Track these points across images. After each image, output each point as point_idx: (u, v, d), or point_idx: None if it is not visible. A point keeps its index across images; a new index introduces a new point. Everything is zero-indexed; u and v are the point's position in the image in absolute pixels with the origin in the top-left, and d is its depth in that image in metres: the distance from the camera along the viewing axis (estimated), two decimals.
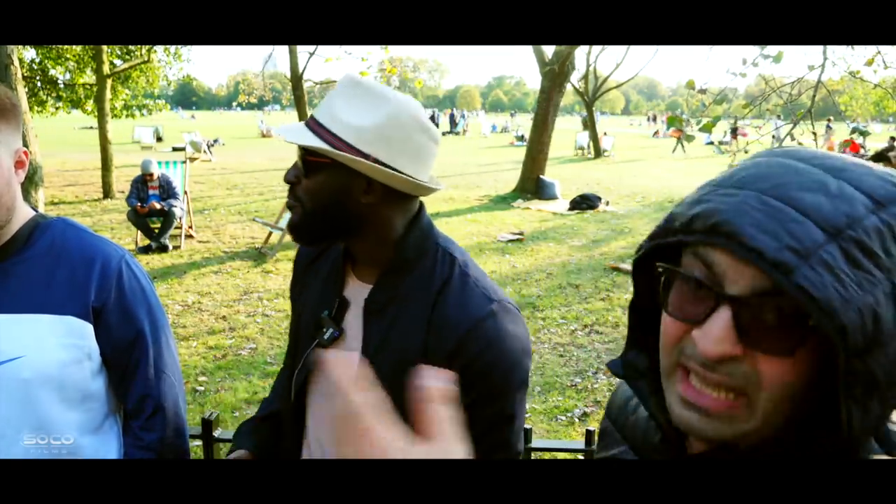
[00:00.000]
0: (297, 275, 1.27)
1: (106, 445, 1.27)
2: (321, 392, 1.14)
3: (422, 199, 1.10)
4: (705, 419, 0.54)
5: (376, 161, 0.99)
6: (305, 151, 1.02)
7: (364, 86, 1.02)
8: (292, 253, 8.80)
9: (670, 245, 0.58)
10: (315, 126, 1.02)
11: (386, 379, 1.02)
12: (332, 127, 1.00)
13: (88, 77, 14.09)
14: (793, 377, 0.52)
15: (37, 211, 1.24)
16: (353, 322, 1.10)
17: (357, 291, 1.11)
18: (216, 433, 1.74)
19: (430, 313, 1.02)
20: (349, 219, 1.04)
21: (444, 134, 38.39)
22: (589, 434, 1.64)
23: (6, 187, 1.11)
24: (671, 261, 0.59)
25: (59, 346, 1.14)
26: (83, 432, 1.21)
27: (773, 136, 6.79)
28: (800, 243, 0.49)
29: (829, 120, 24.30)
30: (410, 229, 1.07)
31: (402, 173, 1.01)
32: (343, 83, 1.03)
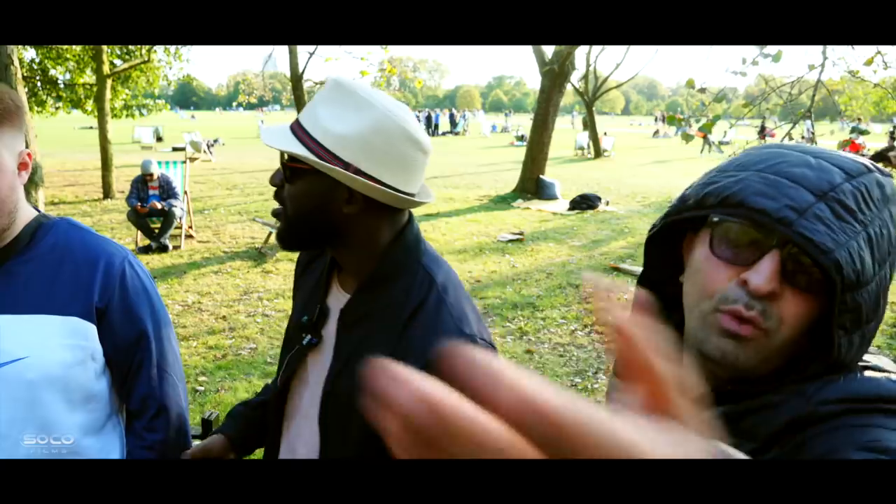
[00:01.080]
0: (296, 275, 1.27)
1: (108, 446, 1.27)
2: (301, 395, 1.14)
3: (420, 202, 1.08)
4: (738, 346, 0.65)
5: (357, 171, 0.95)
6: (288, 156, 1.00)
7: (349, 90, 0.97)
8: (292, 253, 8.78)
9: (683, 222, 0.71)
10: (298, 130, 0.99)
11: (347, 392, 1.01)
12: (315, 132, 0.97)
13: (88, 77, 14.09)
14: (805, 317, 0.64)
15: (39, 211, 1.24)
16: (331, 331, 1.09)
17: (338, 300, 1.10)
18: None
19: (399, 335, 0.99)
20: (330, 228, 1.01)
21: (443, 134, 38.43)
22: None
23: (9, 190, 1.11)
24: (679, 238, 0.74)
25: (62, 346, 1.14)
26: (86, 433, 1.21)
27: (803, 137, 6.81)
28: (796, 203, 0.62)
29: (858, 120, 24.40)
30: (394, 244, 1.04)
31: (385, 185, 0.97)
32: (328, 86, 1.00)
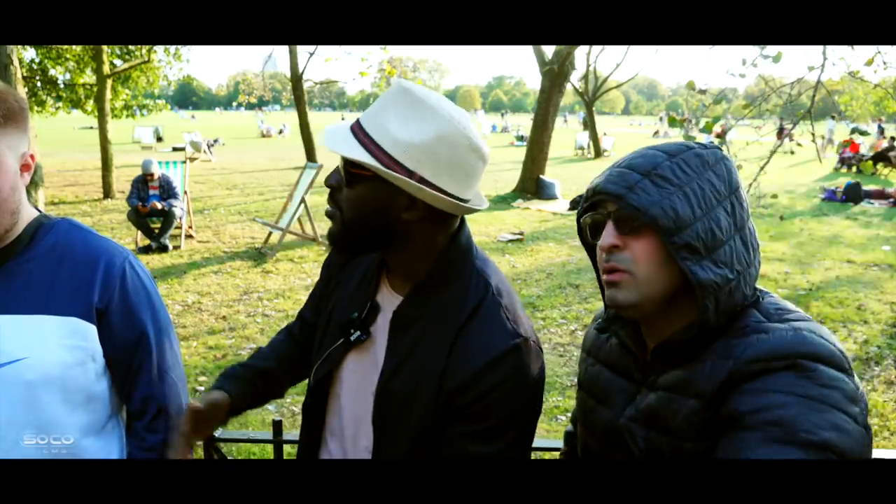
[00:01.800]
0: (329, 273, 1.25)
1: (108, 446, 1.26)
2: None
3: (477, 209, 1.07)
4: (615, 289, 0.93)
5: (422, 180, 0.96)
6: (348, 161, 0.98)
7: (415, 96, 0.97)
8: (292, 253, 8.75)
9: (585, 210, 1.02)
10: (361, 135, 0.98)
11: (403, 392, 1.03)
12: (378, 138, 0.96)
13: (88, 77, 14.10)
14: (649, 253, 0.91)
15: (40, 211, 1.24)
16: (381, 329, 1.10)
17: (388, 300, 1.10)
18: (216, 433, 1.74)
19: (456, 337, 1.01)
20: (388, 233, 1.01)
21: None
22: None
23: (11, 191, 1.11)
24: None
25: (62, 347, 1.14)
26: (86, 433, 1.21)
27: (823, 137, 6.85)
28: (627, 182, 0.92)
29: (880, 120, 24.44)
30: (449, 247, 1.05)
31: (448, 193, 0.98)
32: (395, 91, 0.99)
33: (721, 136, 4.71)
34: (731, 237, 0.91)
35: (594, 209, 0.99)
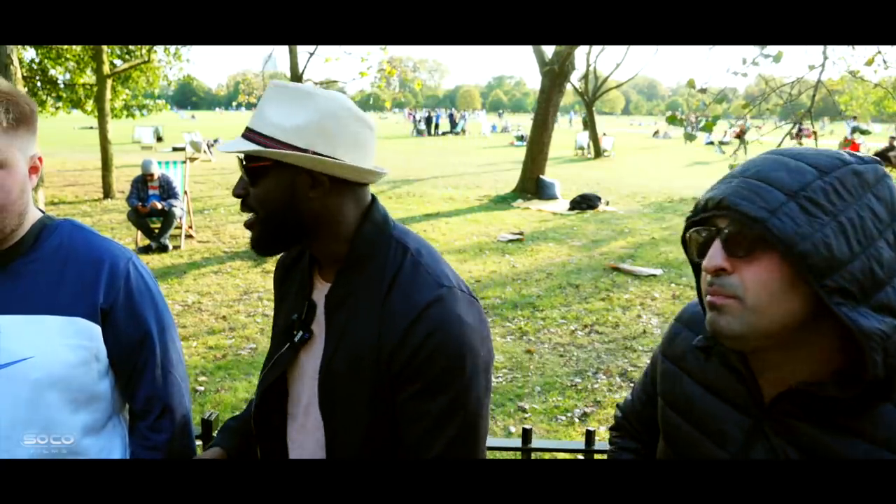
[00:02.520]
0: (277, 280, 1.29)
1: (109, 446, 1.27)
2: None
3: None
4: (717, 314, 0.80)
5: (316, 154, 1.00)
6: (247, 160, 1.02)
7: (290, 88, 1.03)
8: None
9: (700, 221, 0.85)
10: (250, 134, 1.03)
11: (345, 372, 1.03)
12: (266, 130, 1.01)
13: (88, 77, 14.09)
14: (764, 280, 0.77)
15: (43, 212, 1.25)
16: (320, 322, 1.11)
17: (322, 293, 1.12)
18: (216, 433, 1.74)
19: (383, 305, 1.02)
20: (302, 218, 1.04)
21: (443, 134, 38.44)
22: (589, 434, 1.64)
23: (20, 193, 1.12)
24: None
25: (67, 347, 1.15)
26: (87, 433, 1.21)
27: (847, 138, 6.89)
28: (769, 204, 0.75)
29: None
30: (363, 223, 1.07)
31: (343, 161, 1.02)
32: (270, 89, 1.04)
33: (740, 136, 4.69)
34: (894, 275, 0.76)
35: (705, 224, 0.84)
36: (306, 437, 1.15)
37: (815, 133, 4.37)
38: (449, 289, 1.02)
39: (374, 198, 1.12)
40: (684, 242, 0.90)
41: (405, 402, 1.00)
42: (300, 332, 1.12)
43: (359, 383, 1.02)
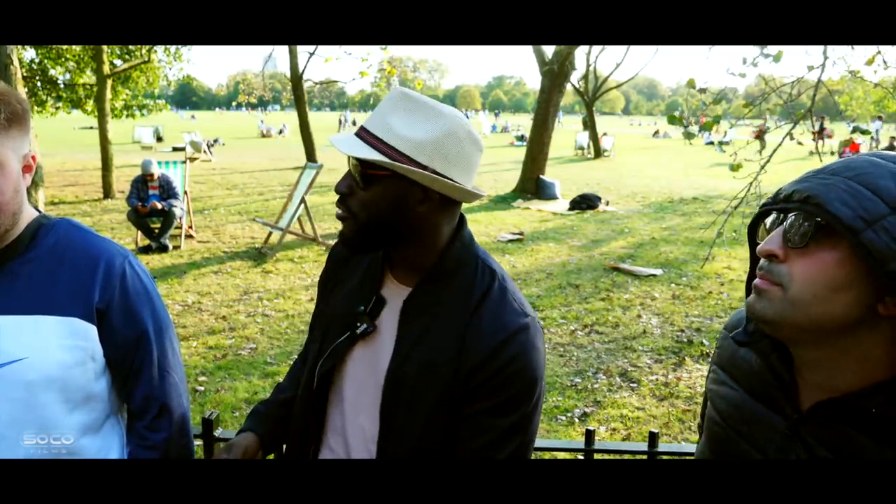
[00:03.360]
0: (331, 270, 1.29)
1: (107, 446, 1.26)
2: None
3: (481, 194, 1.13)
4: (758, 298, 0.79)
5: (434, 172, 1.02)
6: (363, 164, 1.03)
7: (416, 99, 1.05)
8: (292, 253, 8.74)
9: (775, 209, 0.82)
10: (369, 138, 1.04)
11: (414, 377, 1.07)
12: (390, 140, 1.02)
13: (88, 77, 14.09)
14: (814, 274, 0.74)
15: (40, 212, 1.24)
16: (388, 321, 1.14)
17: (394, 292, 1.15)
18: (216, 433, 1.74)
19: (468, 321, 1.07)
20: (404, 228, 1.07)
21: None
22: (589, 434, 1.64)
23: (14, 193, 1.12)
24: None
25: (62, 347, 1.14)
26: (84, 433, 1.21)
27: (872, 138, 6.87)
28: (868, 214, 0.70)
29: (879, 118, 24.17)
30: (454, 239, 1.12)
31: (457, 182, 1.05)
32: (395, 97, 1.06)
33: (760, 136, 4.67)
34: None
35: (785, 212, 0.81)
36: (351, 428, 1.18)
37: (813, 134, 4.37)
38: (532, 318, 1.10)
39: (462, 217, 1.16)
40: (752, 229, 0.88)
41: (475, 414, 1.06)
42: (364, 325, 1.15)
43: (427, 390, 1.07)
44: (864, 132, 4.53)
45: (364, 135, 1.05)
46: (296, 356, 2.56)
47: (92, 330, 1.18)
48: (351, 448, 1.18)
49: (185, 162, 9.33)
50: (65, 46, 13.03)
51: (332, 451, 1.21)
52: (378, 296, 1.16)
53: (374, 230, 1.07)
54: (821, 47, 4.37)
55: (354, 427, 1.17)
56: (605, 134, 25.79)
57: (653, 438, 1.63)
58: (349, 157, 1.04)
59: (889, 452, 0.72)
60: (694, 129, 4.73)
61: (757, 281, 0.80)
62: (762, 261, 0.80)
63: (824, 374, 0.79)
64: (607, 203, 12.12)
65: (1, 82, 1.12)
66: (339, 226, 1.11)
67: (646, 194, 13.88)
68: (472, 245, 1.15)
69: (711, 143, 6.12)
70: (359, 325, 1.15)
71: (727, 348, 0.99)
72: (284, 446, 1.31)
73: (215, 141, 25.06)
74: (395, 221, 1.06)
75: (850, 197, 0.72)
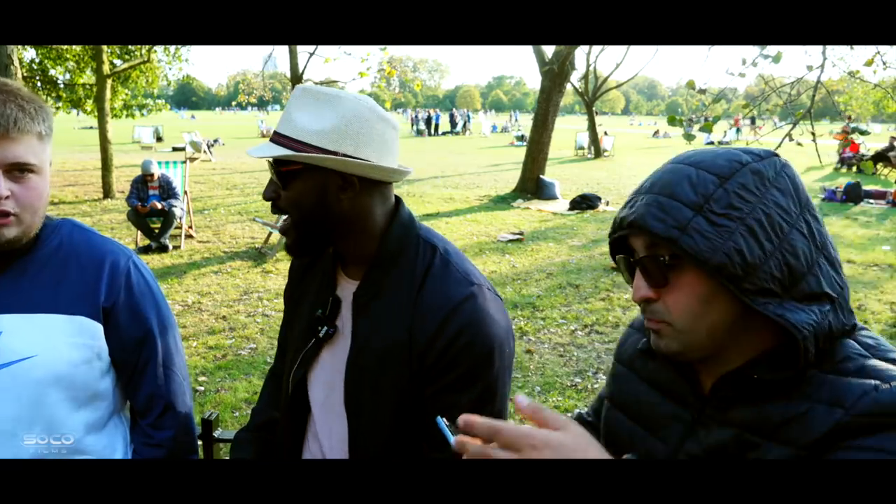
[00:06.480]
0: (293, 281, 1.30)
1: (111, 444, 1.27)
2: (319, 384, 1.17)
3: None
4: (656, 337, 0.83)
5: (346, 156, 1.02)
6: (278, 164, 1.04)
7: (316, 91, 1.05)
8: None
9: (617, 239, 0.87)
10: (279, 138, 1.04)
11: (372, 369, 1.06)
12: (296, 135, 1.03)
13: (88, 77, 14.09)
14: (683, 302, 0.79)
15: None
16: (346, 319, 1.14)
17: (347, 289, 1.15)
18: (216, 433, 1.74)
19: (414, 301, 1.06)
20: (334, 219, 1.06)
21: (443, 134, 38.44)
22: None
23: (48, 196, 1.16)
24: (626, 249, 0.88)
25: (70, 345, 1.15)
26: (88, 431, 1.22)
27: (893, 138, 6.89)
28: (678, 222, 0.76)
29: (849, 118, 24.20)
30: (391, 223, 1.11)
31: (371, 162, 1.04)
32: (296, 94, 1.07)
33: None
34: (814, 261, 0.77)
35: (623, 241, 0.86)
36: (325, 431, 1.18)
37: (813, 135, 4.36)
38: (479, 286, 1.07)
39: (398, 199, 1.15)
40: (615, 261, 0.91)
41: (436, 393, 1.04)
42: (325, 328, 1.15)
43: (386, 378, 1.06)
44: (862, 132, 4.53)
45: (275, 137, 1.06)
46: None
47: (99, 328, 1.19)
48: (325, 451, 1.18)
49: (184, 162, 9.33)
50: (65, 46, 13.02)
51: (311, 454, 1.22)
52: (334, 296, 1.16)
53: (307, 228, 1.07)
54: (820, 47, 4.37)
55: (325, 430, 1.18)
56: (605, 133, 25.79)
57: None
58: (269, 164, 1.05)
59: (774, 415, 0.75)
60: (694, 130, 4.73)
61: (647, 323, 0.84)
62: (642, 303, 0.83)
63: (724, 361, 0.82)
64: (607, 203, 12.12)
65: (36, 96, 1.16)
66: None
67: None
68: (412, 225, 1.13)
69: (711, 143, 6.11)
70: (320, 328, 1.15)
71: (630, 346, 1.01)
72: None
73: (215, 141, 25.06)
74: (324, 214, 1.06)
75: (659, 211, 0.77)
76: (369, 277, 1.10)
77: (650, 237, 0.78)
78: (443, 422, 0.74)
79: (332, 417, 1.16)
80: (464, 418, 0.69)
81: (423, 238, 1.12)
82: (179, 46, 14.06)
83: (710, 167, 0.78)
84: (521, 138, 28.23)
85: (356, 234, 1.09)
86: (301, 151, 1.01)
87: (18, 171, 1.08)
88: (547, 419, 0.68)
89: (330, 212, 1.05)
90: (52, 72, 14.20)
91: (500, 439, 0.68)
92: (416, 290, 1.06)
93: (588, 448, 0.67)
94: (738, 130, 25.79)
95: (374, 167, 1.04)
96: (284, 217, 1.09)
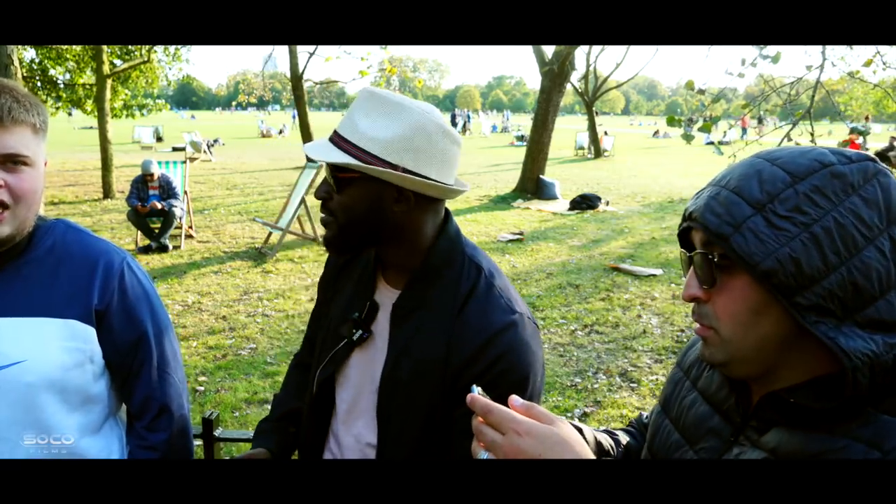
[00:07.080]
0: (329, 276, 1.29)
1: (108, 446, 1.27)
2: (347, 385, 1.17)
3: (462, 190, 1.11)
4: (702, 345, 0.79)
5: (405, 170, 1.00)
6: (335, 168, 1.03)
7: (382, 97, 1.03)
8: (292, 253, 8.73)
9: (683, 231, 0.83)
10: (340, 142, 1.03)
11: (407, 380, 1.06)
12: (358, 141, 1.01)
13: (88, 77, 14.08)
14: (733, 310, 0.73)
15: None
16: (382, 325, 1.13)
17: (386, 296, 1.14)
18: (216, 433, 1.74)
19: (454, 320, 1.05)
20: (382, 228, 1.06)
21: None
22: None
23: (41, 193, 1.15)
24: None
25: (61, 349, 1.14)
26: (84, 434, 1.21)
27: (894, 138, 6.89)
28: (733, 219, 0.71)
29: (867, 119, 24.02)
30: (439, 237, 1.10)
31: (431, 179, 1.02)
32: (362, 97, 1.05)
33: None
34: (892, 286, 0.68)
35: (686, 234, 0.82)
36: (347, 433, 1.18)
37: (812, 135, 4.36)
38: (521, 315, 1.07)
39: (448, 212, 1.14)
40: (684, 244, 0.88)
41: (464, 416, 1.02)
42: (360, 331, 1.14)
43: (420, 392, 1.06)
44: (861, 132, 4.53)
45: (335, 138, 1.04)
46: None
47: (91, 332, 1.17)
48: (344, 453, 1.18)
49: (185, 162, 9.33)
50: (65, 46, 13.02)
51: (332, 455, 1.21)
52: (372, 301, 1.15)
53: (352, 232, 1.06)
54: (820, 47, 4.37)
55: (348, 434, 1.17)
56: (606, 133, 25.78)
57: None
58: (326, 164, 1.04)
59: (810, 447, 0.70)
60: (694, 131, 4.73)
61: (695, 327, 0.80)
62: (693, 304, 0.78)
63: (775, 377, 0.77)
64: (607, 203, 12.12)
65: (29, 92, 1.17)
66: None
67: (646, 194, 13.87)
68: (459, 241, 1.12)
69: (711, 143, 6.10)
70: (355, 331, 1.14)
71: (693, 353, 0.97)
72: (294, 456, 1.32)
73: (215, 141, 25.04)
74: (374, 223, 1.05)
75: (718, 205, 0.73)
76: (412, 288, 1.09)
77: (705, 232, 0.74)
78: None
79: (360, 423, 1.15)
80: (470, 396, 0.69)
81: (469, 256, 1.11)
82: (179, 46, 14.05)
83: (786, 164, 0.72)
84: (521, 138, 28.22)
85: (402, 244, 1.08)
86: (361, 160, 1.00)
87: (12, 162, 1.08)
88: (538, 414, 0.67)
89: (380, 221, 1.05)
90: (52, 72, 14.19)
91: (490, 419, 0.68)
92: (458, 308, 1.06)
93: (573, 446, 0.66)
94: (745, 131, 25.79)
95: (431, 185, 1.02)
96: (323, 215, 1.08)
